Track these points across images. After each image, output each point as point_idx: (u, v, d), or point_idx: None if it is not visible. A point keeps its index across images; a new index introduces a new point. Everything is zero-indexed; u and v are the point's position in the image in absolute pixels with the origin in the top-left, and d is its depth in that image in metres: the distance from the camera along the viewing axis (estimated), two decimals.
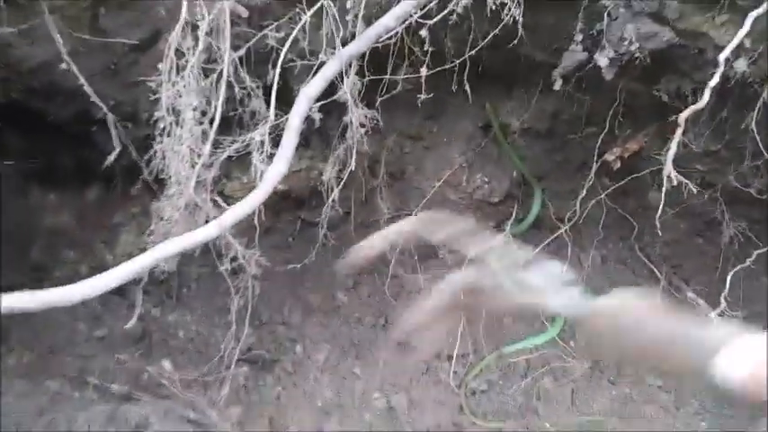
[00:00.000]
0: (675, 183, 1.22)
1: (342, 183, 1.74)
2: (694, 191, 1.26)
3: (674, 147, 1.22)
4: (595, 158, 1.80)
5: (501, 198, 1.95)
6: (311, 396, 1.72)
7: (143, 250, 1.97)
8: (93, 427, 1.22)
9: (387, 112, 1.61)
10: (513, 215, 1.96)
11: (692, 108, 1.18)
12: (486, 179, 1.93)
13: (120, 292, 1.91)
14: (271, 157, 1.21)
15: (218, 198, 1.37)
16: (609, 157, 1.78)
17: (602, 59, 1.29)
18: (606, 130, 1.71)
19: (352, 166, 1.55)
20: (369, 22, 1.32)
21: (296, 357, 1.89)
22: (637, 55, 1.30)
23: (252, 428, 1.44)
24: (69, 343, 1.69)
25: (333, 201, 1.78)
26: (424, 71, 1.36)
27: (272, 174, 1.12)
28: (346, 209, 1.94)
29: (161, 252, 1.05)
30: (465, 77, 1.49)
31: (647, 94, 1.57)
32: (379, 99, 1.50)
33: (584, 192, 1.84)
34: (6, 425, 1.31)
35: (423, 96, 1.41)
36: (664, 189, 1.25)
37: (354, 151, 1.59)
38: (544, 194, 2.00)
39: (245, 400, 1.64)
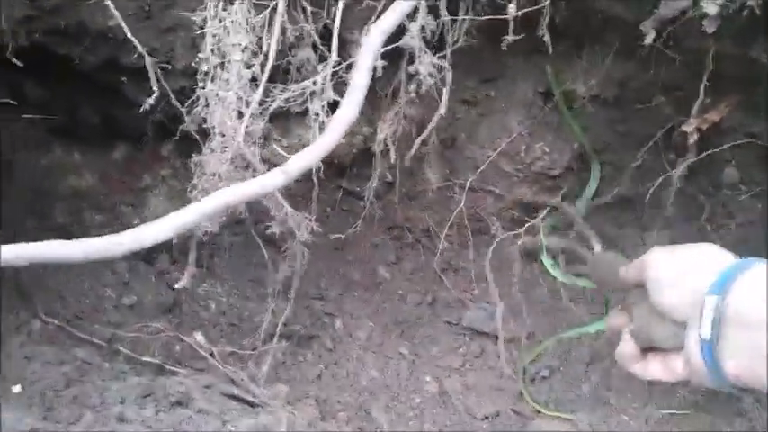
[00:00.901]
0: None
1: (390, 150, 1.60)
2: None
3: None
4: (670, 129, 1.64)
5: (562, 171, 1.79)
6: (355, 376, 1.59)
7: None
8: (129, 400, 1.09)
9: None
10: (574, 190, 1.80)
11: None
12: (547, 150, 1.77)
13: (148, 258, 1.79)
14: (334, 105, 1.06)
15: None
16: (686, 128, 1.61)
17: (710, 6, 1.13)
18: (685, 99, 1.56)
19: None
20: None
21: (336, 334, 1.76)
22: (750, 3, 1.14)
23: (300, 409, 1.31)
24: (96, 310, 1.57)
25: (379, 169, 1.65)
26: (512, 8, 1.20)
27: (341, 116, 0.97)
28: (390, 178, 1.80)
29: (215, 201, 0.91)
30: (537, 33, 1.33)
31: (739, 57, 1.41)
32: (449, 50, 1.35)
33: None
34: (32, 393, 1.19)
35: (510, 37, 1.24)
36: None
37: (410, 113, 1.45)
38: (602, 170, 1.85)
39: (285, 378, 1.51)
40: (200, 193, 1.16)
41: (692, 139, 1.66)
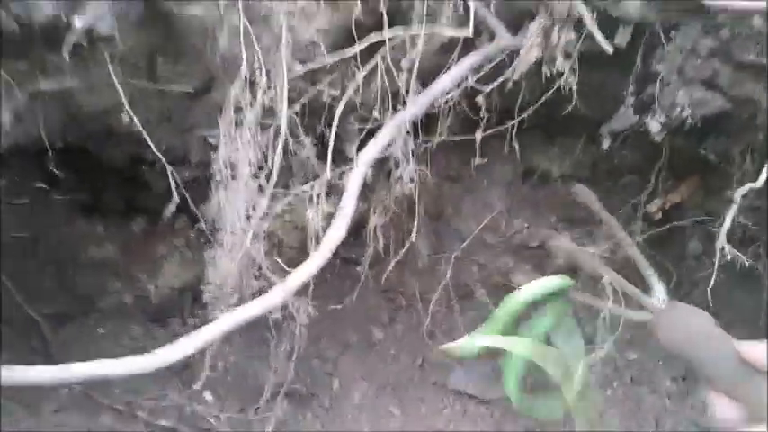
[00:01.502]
0: (730, 257, 1.24)
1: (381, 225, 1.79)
2: (746, 264, 1.28)
3: (727, 222, 1.25)
4: (642, 203, 1.83)
5: (539, 243, 1.98)
6: None
7: (184, 282, 2.05)
8: None
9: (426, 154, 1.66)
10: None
11: (749, 186, 1.20)
12: (525, 224, 1.96)
13: (162, 323, 1.98)
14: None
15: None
16: (651, 208, 1.80)
17: (653, 124, 1.32)
18: (648, 182, 1.75)
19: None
20: (423, 80, 1.36)
21: (333, 393, 1.93)
22: (689, 121, 1.33)
23: None
24: (109, 383, 1.74)
25: (372, 241, 1.83)
26: (478, 136, 1.40)
27: (331, 237, 1.16)
28: (383, 248, 1.99)
29: (226, 323, 1.10)
30: (512, 132, 1.53)
31: (692, 150, 1.59)
32: (428, 150, 1.55)
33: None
34: None
35: (477, 160, 1.44)
36: (716, 262, 1.27)
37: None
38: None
39: None
40: (213, 289, 1.35)
41: (657, 216, 1.86)
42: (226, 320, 1.10)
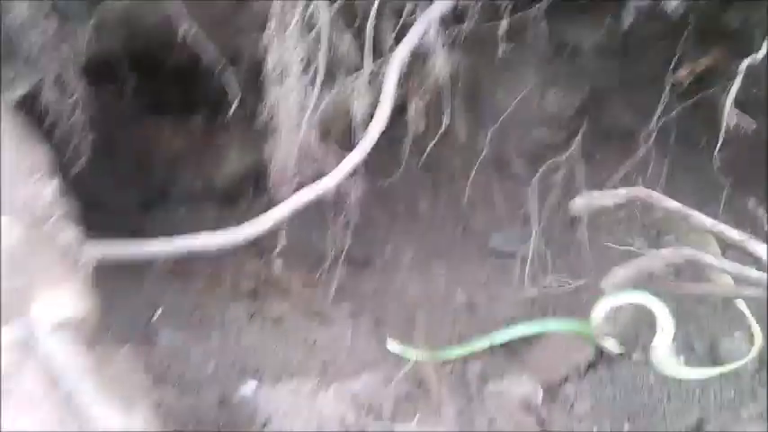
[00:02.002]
0: (735, 121, 1.36)
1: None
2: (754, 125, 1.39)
3: (733, 92, 1.35)
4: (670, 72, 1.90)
5: (573, 113, 2.10)
6: (402, 292, 2.04)
7: (246, 169, 2.28)
8: (242, 319, 1.59)
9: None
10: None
11: (752, 57, 1.29)
12: (559, 96, 2.08)
13: (230, 206, 2.24)
14: None
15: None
16: (679, 74, 1.88)
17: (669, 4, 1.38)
18: (675, 53, 1.81)
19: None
20: None
21: (385, 258, 2.20)
22: None
23: (360, 320, 1.77)
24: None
25: (413, 123, 2.00)
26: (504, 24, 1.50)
27: (373, 130, 1.35)
28: (425, 126, 2.15)
29: (294, 203, 1.33)
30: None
31: (716, 19, 1.65)
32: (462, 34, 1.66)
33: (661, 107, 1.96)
34: (166, 321, 1.69)
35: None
36: (723, 126, 1.39)
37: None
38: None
39: (349, 296, 1.97)
40: (275, 180, 1.57)
41: (687, 81, 1.94)
42: (293, 201, 1.33)
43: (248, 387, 1.24)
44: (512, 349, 1.69)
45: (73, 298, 0.87)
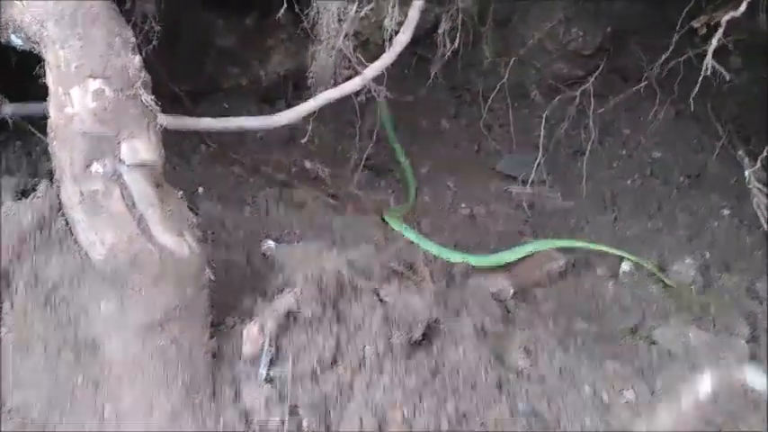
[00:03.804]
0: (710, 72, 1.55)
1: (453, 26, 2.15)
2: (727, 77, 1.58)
3: (713, 44, 1.53)
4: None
5: (592, 51, 2.28)
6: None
7: (288, 70, 2.53)
8: (270, 201, 1.90)
9: None
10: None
11: (732, 14, 1.46)
12: (581, 33, 2.25)
13: (271, 103, 2.52)
14: None
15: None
16: (695, 23, 2.03)
17: None
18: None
19: None
20: None
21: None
22: None
23: (371, 214, 2.07)
24: (238, 143, 2.33)
25: (442, 43, 2.21)
26: None
27: (399, 41, 1.59)
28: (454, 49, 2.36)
29: (322, 99, 1.60)
30: None
31: None
32: None
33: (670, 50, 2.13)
34: (211, 194, 2.00)
35: None
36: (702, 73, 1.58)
37: None
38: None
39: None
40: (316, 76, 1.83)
41: (702, 32, 2.09)
42: (324, 96, 1.59)
43: (269, 245, 1.55)
44: None
45: (149, 147, 1.16)
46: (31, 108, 1.53)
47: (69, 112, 1.14)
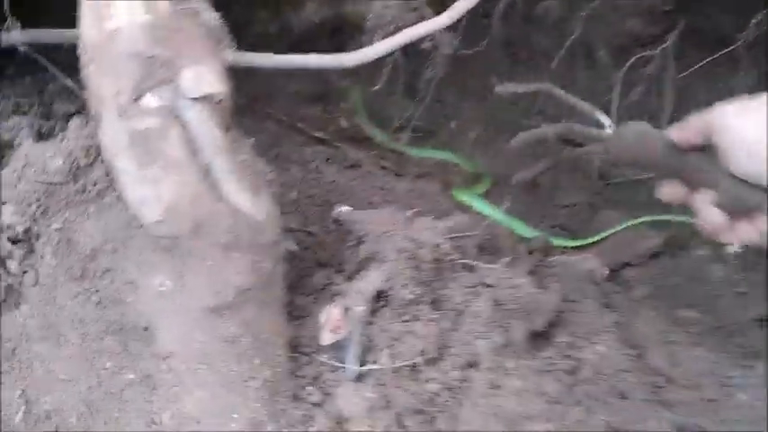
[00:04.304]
0: None
1: None
2: None
3: None
4: None
5: (670, 8, 2.04)
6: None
7: (324, 17, 2.26)
8: (318, 162, 1.63)
9: None
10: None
11: None
12: None
13: (303, 53, 2.23)
14: None
15: None
16: None
17: None
18: None
19: None
20: None
21: (450, 131, 2.22)
22: None
23: (428, 180, 1.82)
24: (268, 96, 2.06)
25: None
26: None
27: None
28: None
29: (392, 43, 1.34)
30: None
31: None
32: None
33: None
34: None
35: None
36: None
37: None
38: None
39: (414, 162, 2.01)
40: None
41: None
42: (393, 40, 1.35)
43: (342, 209, 1.28)
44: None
45: (214, 76, 0.89)
46: (49, 35, 1.24)
47: (113, 26, 0.86)
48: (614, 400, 0.97)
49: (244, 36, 2.24)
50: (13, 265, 0.86)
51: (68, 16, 0.95)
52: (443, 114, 2.26)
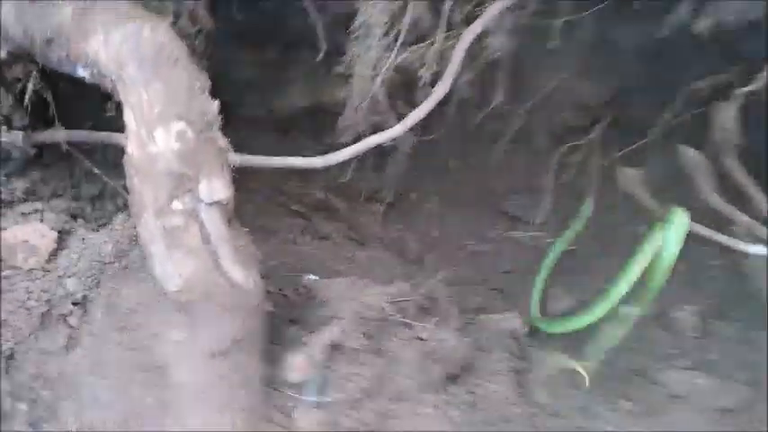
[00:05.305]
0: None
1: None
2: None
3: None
4: None
5: (600, 104, 2.51)
6: (422, 234, 2.50)
7: (308, 104, 2.68)
8: (294, 233, 2.04)
9: None
10: None
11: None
12: (592, 87, 2.47)
13: (286, 135, 2.66)
14: None
15: None
16: (700, 85, 2.27)
17: None
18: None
19: None
20: None
21: (410, 203, 2.64)
22: None
23: (388, 248, 2.22)
24: (254, 171, 2.45)
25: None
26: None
27: (437, 93, 1.76)
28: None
29: (366, 144, 1.75)
30: None
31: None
32: None
33: None
34: None
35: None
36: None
37: None
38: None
39: (378, 229, 2.43)
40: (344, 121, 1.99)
41: (706, 92, 2.33)
42: (369, 141, 1.74)
43: (309, 278, 1.69)
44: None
45: (224, 186, 1.30)
46: (92, 136, 1.64)
47: (153, 151, 1.27)
48: (501, 425, 1.37)
49: (234, 118, 2.69)
50: (73, 321, 1.25)
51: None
52: (406, 187, 2.68)
